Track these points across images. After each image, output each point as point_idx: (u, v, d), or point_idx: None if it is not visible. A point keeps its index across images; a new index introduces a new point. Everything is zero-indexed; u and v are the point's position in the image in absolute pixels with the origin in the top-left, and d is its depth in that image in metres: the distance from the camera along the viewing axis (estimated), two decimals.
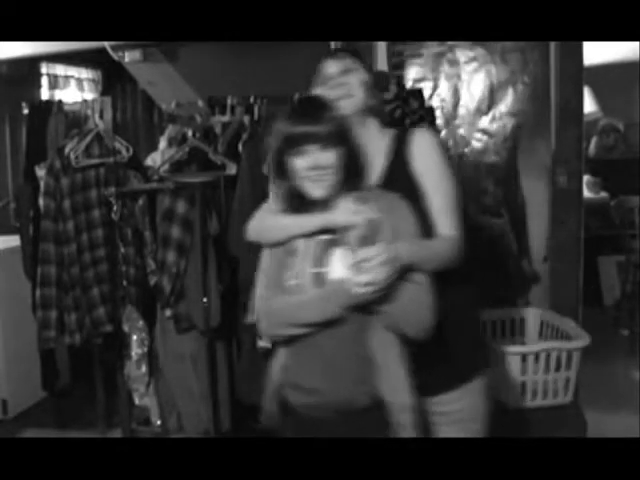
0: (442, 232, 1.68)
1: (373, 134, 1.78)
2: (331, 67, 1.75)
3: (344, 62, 1.74)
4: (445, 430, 1.76)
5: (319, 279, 1.55)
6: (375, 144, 1.76)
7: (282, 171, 1.60)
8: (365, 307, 1.50)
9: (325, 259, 1.57)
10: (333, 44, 3.12)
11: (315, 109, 1.59)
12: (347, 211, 1.54)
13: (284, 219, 1.66)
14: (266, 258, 1.67)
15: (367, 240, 1.49)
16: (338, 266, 1.54)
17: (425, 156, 1.72)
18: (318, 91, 1.76)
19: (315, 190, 1.57)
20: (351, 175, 1.60)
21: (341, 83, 1.73)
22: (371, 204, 1.56)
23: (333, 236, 1.58)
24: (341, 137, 1.57)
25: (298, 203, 1.63)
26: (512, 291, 2.97)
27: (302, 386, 1.58)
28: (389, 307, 1.50)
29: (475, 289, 1.83)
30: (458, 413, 1.75)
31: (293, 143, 1.55)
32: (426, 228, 1.67)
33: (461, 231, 1.69)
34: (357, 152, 1.63)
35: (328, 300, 1.51)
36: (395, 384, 1.53)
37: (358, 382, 1.54)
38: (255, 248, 2.66)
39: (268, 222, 1.71)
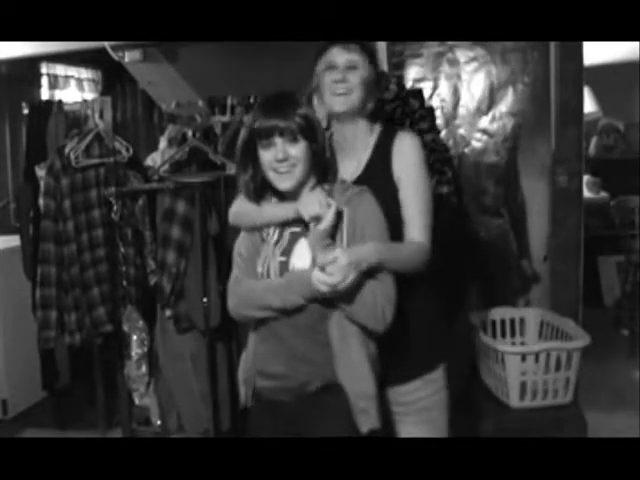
0: (412, 236, 1.71)
1: (361, 129, 1.79)
2: (338, 57, 1.74)
3: (352, 56, 1.73)
4: (409, 420, 1.81)
5: (284, 268, 1.61)
6: (362, 140, 1.78)
7: (247, 163, 1.66)
8: (326, 299, 1.55)
9: (292, 249, 1.63)
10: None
11: (284, 104, 1.64)
12: (314, 202, 1.58)
13: (259, 206, 1.70)
14: (242, 241, 1.74)
15: (328, 233, 1.57)
16: (303, 256, 1.60)
17: (404, 157, 1.74)
18: (318, 73, 1.79)
19: (282, 182, 1.62)
20: (318, 170, 1.65)
21: (342, 79, 1.72)
22: (337, 196, 1.61)
23: (302, 228, 1.63)
24: (309, 132, 1.60)
25: (265, 195, 1.68)
26: (512, 291, 2.97)
27: (265, 371, 1.65)
28: (349, 301, 1.55)
29: (438, 282, 1.84)
30: (420, 402, 1.79)
31: (261, 135, 1.60)
32: (397, 226, 1.70)
33: (429, 235, 1.71)
34: (324, 148, 1.66)
35: (290, 289, 1.57)
36: (354, 372, 1.58)
37: (314, 367, 1.59)
38: None
39: (244, 207, 1.74)
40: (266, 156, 1.61)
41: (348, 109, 1.74)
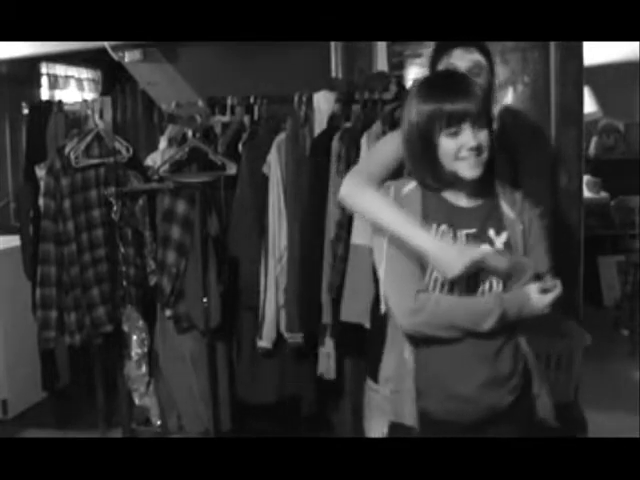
0: None
1: None
2: (459, 60, 1.72)
3: (470, 55, 1.71)
4: None
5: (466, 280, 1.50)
6: None
7: (429, 152, 1.51)
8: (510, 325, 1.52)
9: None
10: (333, 44, 3.13)
11: (463, 85, 1.51)
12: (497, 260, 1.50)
13: (407, 221, 1.52)
14: (391, 252, 1.56)
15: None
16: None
17: None
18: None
19: (469, 171, 1.50)
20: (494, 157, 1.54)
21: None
22: (505, 200, 1.57)
23: (478, 230, 1.55)
24: (489, 116, 1.52)
25: (441, 184, 1.56)
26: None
27: (449, 392, 1.55)
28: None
29: None
30: None
31: (447, 122, 1.47)
32: None
33: None
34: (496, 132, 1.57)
35: (491, 311, 1.48)
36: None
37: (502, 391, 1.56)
38: (254, 248, 2.68)
39: (385, 211, 1.56)
40: (452, 144, 1.48)
41: None
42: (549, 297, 1.50)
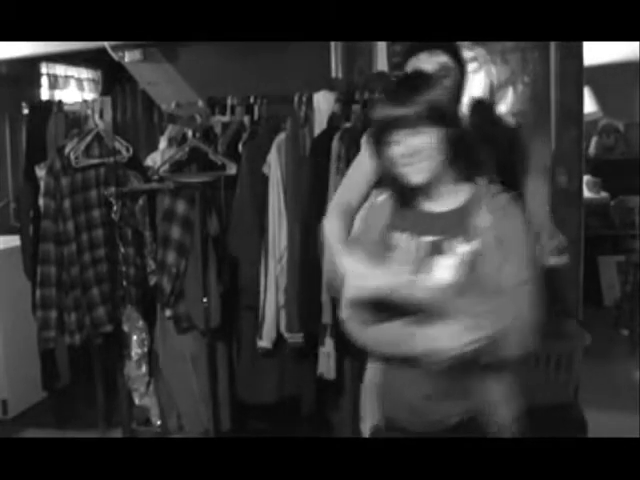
0: None
1: None
2: (425, 63, 1.71)
3: (435, 57, 1.70)
4: None
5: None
6: None
7: (380, 159, 1.51)
8: None
9: (432, 262, 1.47)
10: (333, 44, 3.13)
11: (402, 90, 1.49)
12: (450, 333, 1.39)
13: (340, 248, 1.55)
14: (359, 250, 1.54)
15: None
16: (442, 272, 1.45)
17: None
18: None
19: (413, 177, 1.46)
20: (458, 157, 1.48)
21: None
22: (483, 200, 1.47)
23: (439, 237, 1.49)
24: (439, 117, 1.43)
25: (401, 190, 1.53)
26: None
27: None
28: None
29: None
30: None
31: (385, 130, 1.45)
32: None
33: None
34: (461, 131, 1.49)
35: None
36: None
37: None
38: (254, 248, 2.68)
39: (330, 240, 1.64)
40: (392, 151, 1.46)
41: None
42: (466, 338, 1.37)
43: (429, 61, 1.71)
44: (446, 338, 1.38)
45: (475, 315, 1.39)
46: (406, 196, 1.54)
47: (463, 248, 1.45)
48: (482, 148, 1.55)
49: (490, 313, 1.39)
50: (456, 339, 1.38)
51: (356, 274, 1.45)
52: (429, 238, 1.50)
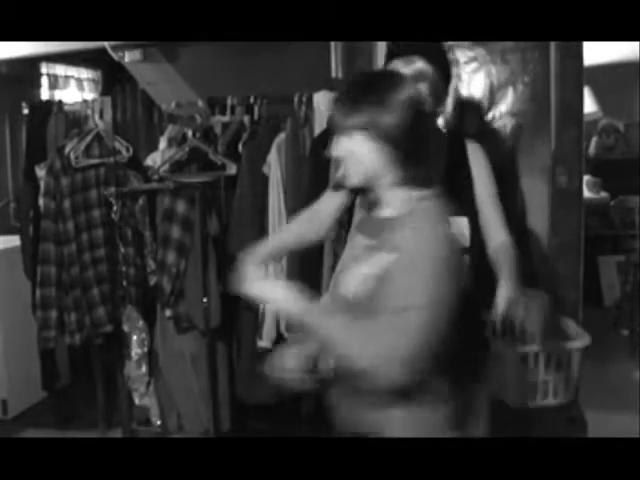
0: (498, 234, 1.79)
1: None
2: (401, 69, 1.70)
3: (410, 64, 1.69)
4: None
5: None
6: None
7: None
8: None
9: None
10: (333, 44, 3.12)
11: (345, 95, 1.45)
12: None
13: None
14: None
15: None
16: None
17: (478, 165, 1.81)
18: None
19: (346, 179, 1.46)
20: (407, 164, 1.41)
21: None
22: (399, 201, 1.44)
23: (377, 242, 1.47)
24: (379, 124, 1.37)
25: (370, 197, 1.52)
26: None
27: None
28: None
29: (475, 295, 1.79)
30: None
31: (330, 133, 1.46)
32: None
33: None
34: (403, 139, 1.40)
35: None
36: None
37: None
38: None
39: None
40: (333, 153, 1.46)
41: None
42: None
43: (405, 67, 1.70)
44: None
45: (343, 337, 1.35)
46: (365, 198, 1.57)
47: (387, 258, 1.38)
48: (427, 156, 1.46)
49: (359, 337, 1.32)
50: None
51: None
52: (365, 241, 1.50)
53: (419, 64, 1.70)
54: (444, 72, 1.74)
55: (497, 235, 1.81)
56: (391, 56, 1.77)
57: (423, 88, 1.68)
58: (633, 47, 4.16)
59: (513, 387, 2.45)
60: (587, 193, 4.69)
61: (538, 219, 2.92)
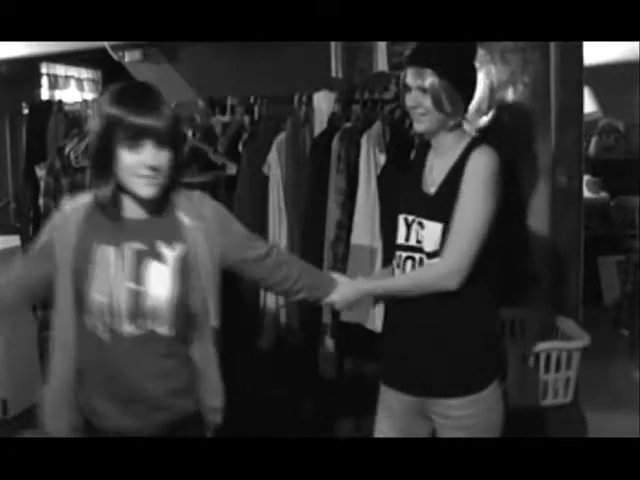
0: (444, 254, 1.66)
1: (450, 140, 1.75)
2: (408, 78, 1.71)
3: (421, 76, 1.68)
4: (449, 434, 1.74)
5: (136, 297, 1.48)
6: (450, 149, 1.74)
7: (108, 162, 1.45)
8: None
9: (143, 274, 1.48)
10: (333, 44, 3.12)
11: (152, 101, 1.49)
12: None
13: None
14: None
15: None
16: (161, 283, 1.49)
17: (472, 174, 1.66)
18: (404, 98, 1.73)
19: (144, 189, 1.45)
20: (176, 175, 1.54)
21: (416, 104, 1.70)
22: (182, 203, 1.54)
23: (144, 246, 1.50)
24: (176, 136, 1.49)
25: (116, 201, 1.50)
26: (513, 291, 2.97)
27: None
28: None
29: (491, 298, 1.78)
30: (463, 420, 1.71)
31: (128, 134, 1.41)
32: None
33: (469, 259, 1.63)
34: (183, 152, 1.61)
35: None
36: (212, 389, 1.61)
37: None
38: None
39: None
40: (131, 159, 1.43)
41: (426, 129, 1.73)
42: None
43: (415, 80, 1.69)
44: None
45: None
46: (110, 201, 1.50)
47: (172, 252, 1.50)
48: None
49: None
50: None
51: None
52: (135, 246, 1.50)
53: (430, 79, 1.66)
54: (458, 82, 1.70)
55: (446, 251, 1.67)
56: (408, 60, 1.76)
57: (425, 102, 1.68)
58: (633, 47, 4.16)
59: (514, 387, 2.45)
60: (587, 193, 4.69)
61: (538, 219, 2.92)
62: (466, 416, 1.71)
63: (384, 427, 1.85)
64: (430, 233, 1.69)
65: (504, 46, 2.91)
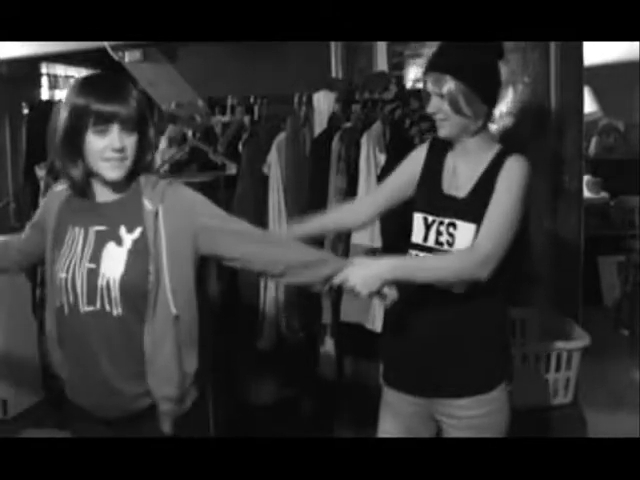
0: (479, 243, 1.63)
1: (475, 145, 1.72)
2: (428, 85, 1.69)
3: (438, 83, 1.66)
4: (456, 434, 1.73)
5: (94, 276, 1.53)
6: (477, 155, 1.72)
7: (76, 147, 1.52)
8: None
9: (100, 255, 1.54)
10: (333, 44, 3.12)
11: (117, 88, 1.52)
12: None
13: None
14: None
15: None
16: (115, 263, 1.53)
17: (509, 178, 1.65)
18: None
19: (111, 172, 1.51)
20: (142, 159, 1.57)
21: (436, 110, 1.68)
22: (149, 191, 1.56)
23: (109, 227, 1.56)
24: (142, 122, 1.53)
25: (86, 185, 1.57)
26: (512, 292, 2.97)
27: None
28: None
29: (502, 297, 1.78)
30: (470, 420, 1.71)
31: (97, 120, 1.47)
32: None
33: (502, 251, 1.63)
34: (151, 139, 1.60)
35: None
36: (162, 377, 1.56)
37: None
38: None
39: None
40: (99, 143, 1.49)
41: (449, 134, 1.71)
42: None
43: (434, 87, 1.68)
44: None
45: None
46: (81, 186, 1.57)
47: (131, 236, 1.55)
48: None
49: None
50: None
51: None
52: (97, 228, 1.56)
53: (447, 84, 1.64)
54: (477, 85, 1.67)
55: (475, 246, 1.65)
56: (425, 69, 1.73)
57: (452, 104, 1.65)
58: (633, 47, 4.17)
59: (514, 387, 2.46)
60: (587, 193, 4.69)
61: (538, 219, 2.93)
62: (475, 416, 1.70)
63: (388, 427, 1.85)
64: (465, 232, 1.67)
65: (504, 46, 2.91)
